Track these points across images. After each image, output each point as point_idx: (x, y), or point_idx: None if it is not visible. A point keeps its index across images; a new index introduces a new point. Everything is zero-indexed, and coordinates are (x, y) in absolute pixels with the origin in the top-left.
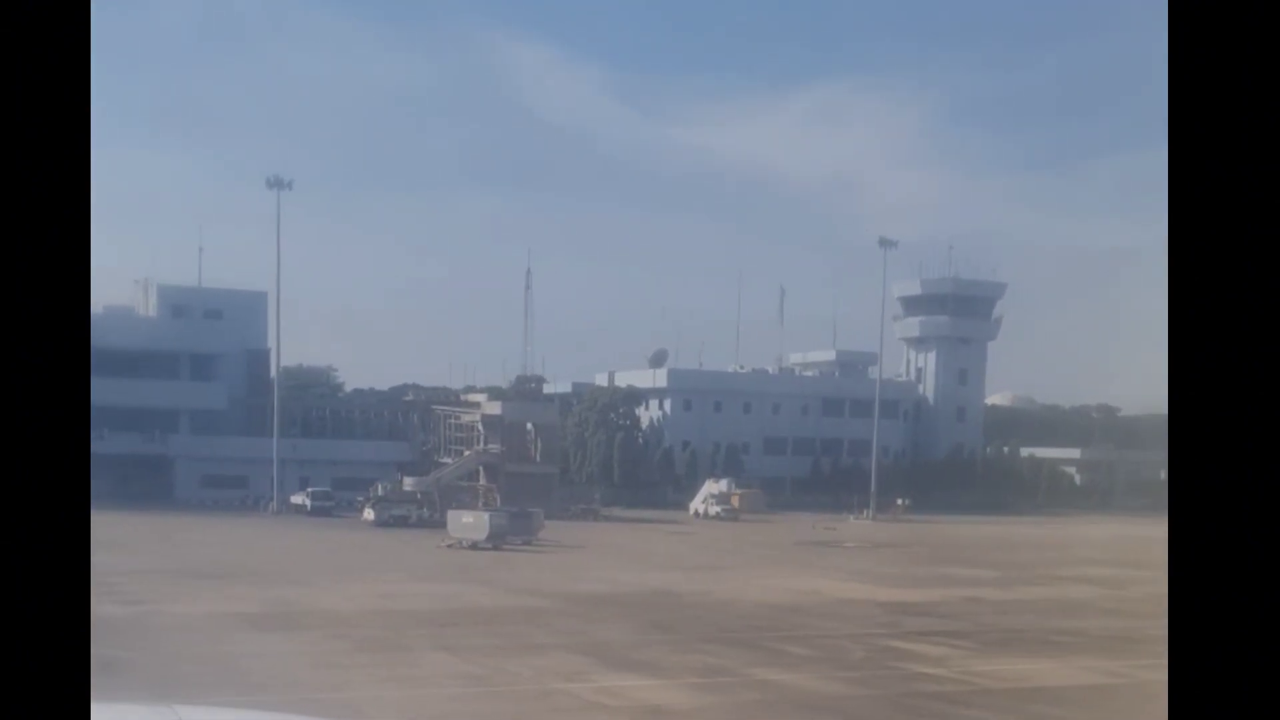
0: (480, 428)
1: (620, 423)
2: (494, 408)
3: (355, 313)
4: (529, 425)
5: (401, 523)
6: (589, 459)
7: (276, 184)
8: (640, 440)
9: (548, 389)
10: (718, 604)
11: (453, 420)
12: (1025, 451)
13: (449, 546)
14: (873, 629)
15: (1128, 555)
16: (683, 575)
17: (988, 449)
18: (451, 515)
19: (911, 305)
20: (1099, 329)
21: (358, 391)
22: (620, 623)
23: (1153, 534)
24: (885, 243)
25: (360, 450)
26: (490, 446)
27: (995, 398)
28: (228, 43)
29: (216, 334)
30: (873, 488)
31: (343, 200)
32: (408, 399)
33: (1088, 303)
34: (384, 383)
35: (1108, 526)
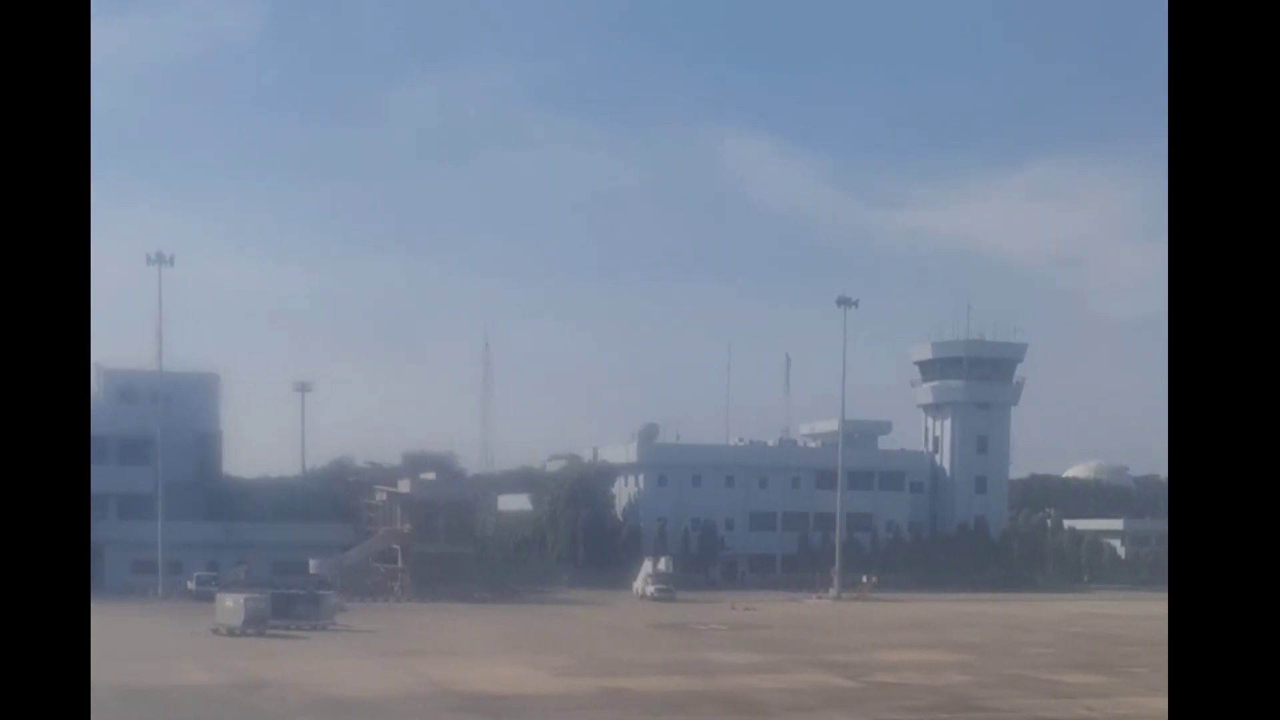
0: (398, 507)
1: (589, 500)
2: (405, 486)
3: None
4: (441, 504)
5: None
6: (559, 538)
7: (158, 260)
8: (619, 517)
9: (553, 466)
10: (242, 695)
11: (367, 501)
12: (1067, 524)
13: (214, 631)
14: None
15: (991, 637)
16: (371, 665)
17: (1026, 521)
18: (219, 598)
19: (926, 369)
20: None
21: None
22: None
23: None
24: (844, 302)
25: (300, 533)
26: (402, 526)
27: (1076, 469)
28: (453, 148)
29: (146, 417)
30: (836, 564)
31: (557, 293)
32: (350, 479)
33: None
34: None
35: (1087, 604)
